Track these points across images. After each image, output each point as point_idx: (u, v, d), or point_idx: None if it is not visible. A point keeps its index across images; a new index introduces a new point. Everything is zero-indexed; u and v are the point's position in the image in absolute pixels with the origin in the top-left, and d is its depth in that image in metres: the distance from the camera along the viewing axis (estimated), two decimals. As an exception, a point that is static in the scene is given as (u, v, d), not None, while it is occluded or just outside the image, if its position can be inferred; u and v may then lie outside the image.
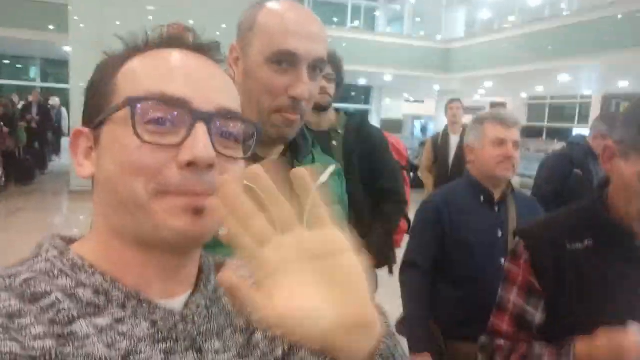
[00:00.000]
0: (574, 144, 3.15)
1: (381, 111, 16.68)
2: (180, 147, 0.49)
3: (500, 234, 1.70)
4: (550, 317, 1.04)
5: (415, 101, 21.28)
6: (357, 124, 2.17)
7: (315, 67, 0.90)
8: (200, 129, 0.50)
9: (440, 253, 1.73)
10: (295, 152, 1.00)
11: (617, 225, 0.99)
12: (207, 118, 0.50)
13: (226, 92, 0.55)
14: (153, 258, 0.53)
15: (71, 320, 0.48)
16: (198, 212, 0.50)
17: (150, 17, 7.54)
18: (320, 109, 2.01)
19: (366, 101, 16.92)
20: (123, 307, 0.51)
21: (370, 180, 2.10)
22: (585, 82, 13.18)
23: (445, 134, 4.46)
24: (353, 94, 17.51)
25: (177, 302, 0.54)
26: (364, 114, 2.21)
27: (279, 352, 0.61)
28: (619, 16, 9.46)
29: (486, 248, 1.67)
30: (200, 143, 0.49)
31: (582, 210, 1.07)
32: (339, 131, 2.10)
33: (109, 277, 0.51)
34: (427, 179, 4.56)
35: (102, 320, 0.49)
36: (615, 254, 0.99)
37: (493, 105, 19.63)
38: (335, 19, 15.74)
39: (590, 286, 0.99)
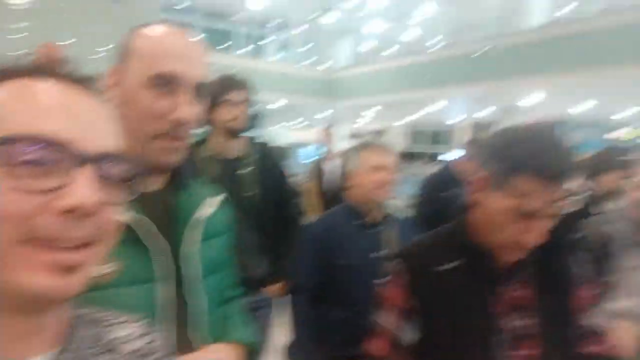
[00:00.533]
0: (446, 167, 3.40)
1: (268, 138, 16.78)
2: (58, 191, 0.45)
3: (377, 255, 1.75)
4: (423, 336, 1.08)
5: (303, 128, 21.72)
6: (263, 151, 2.18)
7: (195, 89, 0.87)
8: (85, 172, 0.47)
9: (324, 276, 1.76)
10: (178, 181, 0.96)
11: (479, 248, 1.05)
12: (93, 161, 0.47)
13: (111, 131, 0.52)
14: (5, 318, 0.47)
15: None
16: (69, 269, 0.47)
17: (16, 36, 6.86)
18: (233, 134, 2.00)
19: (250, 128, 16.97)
20: None
21: (277, 208, 2.14)
22: (456, 110, 14.44)
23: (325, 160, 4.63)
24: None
25: None
26: (267, 143, 2.23)
27: None
28: (476, 54, 10.55)
29: (363, 270, 1.70)
30: (84, 188, 0.46)
31: (449, 233, 1.13)
32: (247, 159, 2.09)
33: None
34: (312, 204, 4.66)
35: None
36: (476, 274, 1.05)
37: (377, 131, 20.77)
38: (223, 45, 15.64)
39: (455, 302, 1.04)
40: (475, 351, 1.04)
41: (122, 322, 0.61)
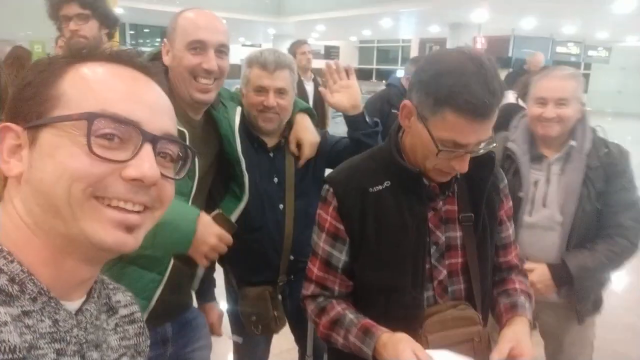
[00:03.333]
0: (391, 85, 3.42)
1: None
2: (126, 163, 0.53)
3: (276, 180, 1.63)
4: (353, 258, 1.12)
5: (252, 45, 20.96)
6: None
7: (219, 50, 1.29)
8: (147, 149, 0.54)
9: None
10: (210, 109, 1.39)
11: (409, 169, 1.07)
12: (154, 140, 0.55)
13: (169, 115, 0.60)
14: (70, 262, 0.55)
15: None
16: (129, 228, 0.55)
17: None
18: None
19: (201, 46, 16.22)
20: (34, 301, 0.52)
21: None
22: (405, 27, 14.28)
23: (300, 81, 4.10)
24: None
25: (73, 306, 0.57)
26: None
27: None
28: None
29: (263, 197, 1.60)
30: (146, 163, 0.54)
31: (381, 155, 1.13)
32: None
33: (26, 269, 0.53)
34: None
35: (11, 310, 0.50)
36: (408, 192, 1.08)
37: (327, 48, 20.30)
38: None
39: (387, 220, 1.08)
40: (409, 266, 1.06)
41: (116, 289, 0.70)
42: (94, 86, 0.55)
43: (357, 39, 19.50)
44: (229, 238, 1.21)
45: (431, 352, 0.95)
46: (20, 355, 0.48)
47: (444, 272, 1.10)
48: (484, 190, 1.12)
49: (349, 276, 1.13)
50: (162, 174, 0.56)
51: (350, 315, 1.09)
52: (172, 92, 1.20)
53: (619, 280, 3.52)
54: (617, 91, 22.42)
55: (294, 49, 4.09)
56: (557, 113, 1.56)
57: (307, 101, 4.09)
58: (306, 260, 1.67)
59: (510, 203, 1.23)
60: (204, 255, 1.19)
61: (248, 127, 1.61)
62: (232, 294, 1.70)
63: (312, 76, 4.13)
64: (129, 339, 0.67)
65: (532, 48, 11.34)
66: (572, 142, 1.61)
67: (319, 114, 4.19)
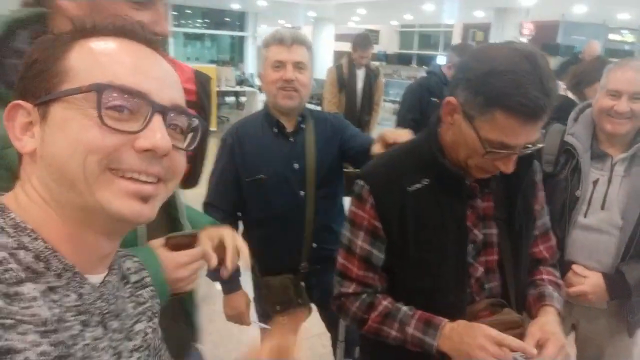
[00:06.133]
0: (431, 73, 3.38)
1: (257, 38, 16.13)
2: (138, 134, 0.54)
3: (297, 166, 1.59)
4: (392, 257, 1.11)
5: (292, 28, 20.91)
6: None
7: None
8: (158, 120, 0.55)
9: (238, 195, 1.62)
10: None
11: (450, 168, 1.05)
12: (164, 111, 0.56)
13: (177, 88, 0.61)
14: (90, 236, 0.56)
15: (18, 282, 0.50)
16: (144, 199, 0.55)
17: None
18: None
19: (241, 28, 16.19)
20: (59, 277, 0.54)
21: None
22: (447, 11, 13.90)
23: (352, 66, 4.19)
24: (227, 19, 16.64)
25: (96, 279, 0.59)
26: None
27: (157, 340, 0.71)
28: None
29: (282, 183, 1.58)
30: (158, 133, 0.54)
31: (420, 151, 1.10)
32: None
33: (50, 246, 0.54)
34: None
35: (39, 287, 0.52)
36: (447, 191, 1.07)
37: (367, 32, 20.00)
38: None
39: (427, 221, 1.06)
40: (451, 267, 1.06)
41: (125, 256, 0.71)
42: (100, 59, 0.55)
43: (398, 23, 19.12)
44: (195, 257, 0.97)
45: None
46: (52, 328, 0.51)
47: (481, 269, 1.10)
48: (520, 187, 1.10)
49: (386, 273, 1.14)
50: (173, 145, 0.57)
51: (404, 307, 1.09)
52: None
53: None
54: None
55: (364, 44, 4.08)
56: (631, 108, 1.46)
57: (354, 85, 4.18)
58: (329, 248, 1.69)
59: (542, 193, 1.21)
60: (187, 286, 0.99)
61: (268, 112, 1.62)
62: (257, 282, 1.71)
63: (368, 63, 4.14)
64: (143, 304, 0.69)
65: (583, 35, 10.87)
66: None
67: (366, 101, 4.25)
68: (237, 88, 10.75)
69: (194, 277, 0.98)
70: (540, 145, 0.99)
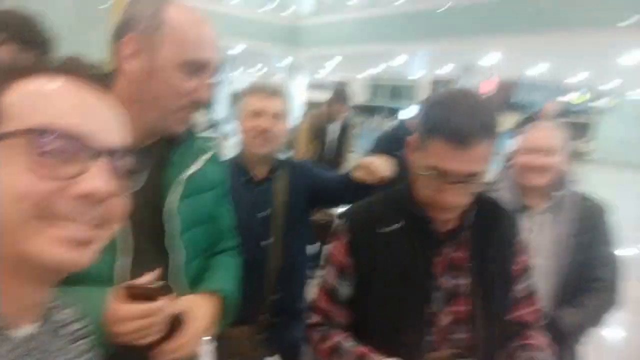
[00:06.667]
0: (399, 126, 3.48)
1: (228, 84, 16.35)
2: (75, 179, 0.51)
3: (262, 215, 1.59)
4: (359, 293, 1.14)
5: (267, 74, 21.28)
6: None
7: (213, 71, 1.02)
8: (99, 163, 0.53)
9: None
10: (171, 138, 1.06)
11: (418, 211, 1.10)
12: (106, 154, 0.53)
13: (121, 127, 0.58)
14: (20, 286, 0.53)
15: None
16: (81, 243, 0.53)
17: None
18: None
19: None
20: None
21: None
22: (417, 65, 14.50)
23: (328, 117, 4.36)
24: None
25: (23, 332, 0.55)
26: None
27: None
28: (441, 9, 10.54)
29: (245, 232, 1.50)
30: (98, 177, 0.52)
31: (398, 195, 1.17)
32: None
33: None
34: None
35: None
36: (417, 235, 1.11)
37: (339, 83, 20.57)
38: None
39: (395, 261, 1.10)
40: (413, 307, 1.09)
41: (63, 306, 0.66)
42: (39, 100, 0.53)
43: (368, 75, 19.76)
44: (147, 312, 0.86)
45: None
46: None
47: (447, 318, 1.11)
48: (493, 240, 1.13)
49: (352, 309, 1.16)
50: (113, 189, 0.54)
51: (348, 343, 1.13)
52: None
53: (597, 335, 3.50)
54: (623, 141, 22.44)
55: (345, 99, 4.27)
56: (545, 162, 1.60)
57: (328, 136, 4.31)
58: (294, 296, 1.66)
59: (526, 257, 1.22)
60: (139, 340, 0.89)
61: (240, 159, 1.63)
62: (217, 334, 1.68)
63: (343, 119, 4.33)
64: (82, 355, 0.65)
65: (540, 94, 11.48)
66: (559, 193, 1.65)
67: (337, 152, 4.35)
68: (209, 134, 10.76)
69: (145, 332, 0.87)
70: (482, 181, 1.04)
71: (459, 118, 0.96)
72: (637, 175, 18.24)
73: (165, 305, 0.88)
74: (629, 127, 21.62)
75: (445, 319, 1.11)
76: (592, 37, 7.99)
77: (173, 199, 1.00)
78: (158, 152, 1.02)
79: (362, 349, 1.10)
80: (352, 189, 1.68)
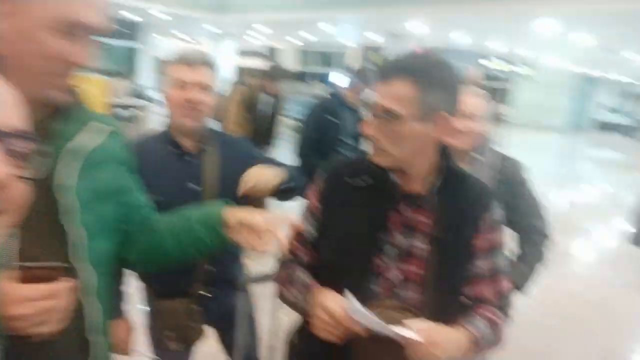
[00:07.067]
0: (334, 95, 3.49)
1: (152, 50, 15.54)
2: None
3: (194, 187, 1.55)
4: (320, 237, 1.22)
5: (191, 41, 20.46)
6: None
7: (95, 34, 0.92)
8: None
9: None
10: (62, 114, 0.97)
11: (380, 168, 1.14)
12: (2, 137, 0.50)
13: (17, 110, 0.55)
14: None
15: None
16: None
17: None
18: None
19: (133, 38, 15.42)
20: None
21: None
22: (346, 32, 14.50)
23: (261, 92, 4.28)
24: (120, 28, 15.84)
25: None
26: None
27: None
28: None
29: (178, 205, 1.43)
30: None
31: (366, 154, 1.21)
32: None
33: None
34: (235, 134, 4.19)
35: None
36: (379, 189, 1.16)
37: (268, 49, 20.21)
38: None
39: (353, 211, 1.16)
40: (362, 254, 1.14)
41: None
42: None
43: (298, 41, 19.54)
44: (46, 293, 0.79)
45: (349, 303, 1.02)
46: None
47: (396, 273, 1.14)
48: (459, 212, 1.16)
49: (316, 251, 1.23)
50: (11, 174, 0.52)
51: (302, 275, 1.21)
52: None
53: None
54: (538, 106, 24.02)
55: (277, 77, 4.26)
56: (468, 126, 1.64)
57: (262, 111, 4.26)
58: (226, 270, 1.67)
59: (495, 235, 1.20)
60: (36, 327, 0.80)
61: (168, 131, 1.58)
62: (150, 309, 1.65)
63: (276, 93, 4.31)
64: None
65: (464, 62, 11.93)
66: (478, 157, 1.74)
67: (269, 124, 4.32)
68: (131, 101, 10.21)
69: (45, 317, 0.79)
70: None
71: (390, 60, 1.08)
72: (550, 137, 19.69)
73: (66, 287, 0.81)
74: (544, 93, 23.13)
75: (393, 275, 1.14)
76: (510, 6, 8.38)
77: (64, 173, 0.93)
78: (43, 124, 0.93)
79: (312, 281, 1.17)
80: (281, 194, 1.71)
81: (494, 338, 1.15)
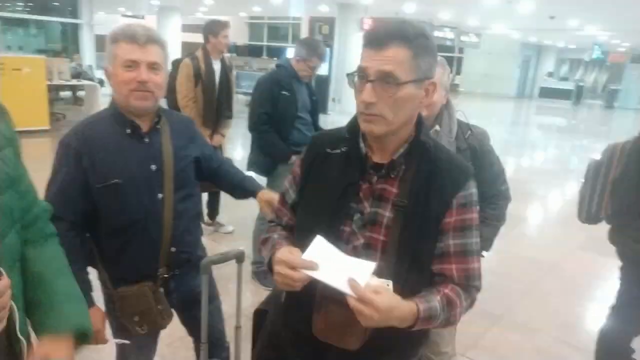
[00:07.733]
0: (281, 66, 3.43)
1: (94, 27, 14.76)
2: None
3: (154, 167, 1.52)
4: (299, 200, 1.28)
5: (134, 16, 19.58)
6: None
7: None
8: None
9: (87, 203, 1.47)
10: None
11: (354, 139, 1.18)
12: None
13: None
14: None
15: None
16: None
17: None
18: None
19: (73, 14, 14.61)
20: None
21: None
22: (294, 4, 14.27)
23: (208, 58, 3.95)
24: (56, 4, 14.93)
25: None
26: None
27: None
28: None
29: (140, 187, 1.48)
30: None
31: (349, 124, 1.21)
32: None
33: None
34: (191, 110, 3.96)
35: None
36: (352, 159, 1.18)
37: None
38: None
39: (327, 178, 1.21)
40: (330, 220, 1.16)
41: None
42: None
43: (247, 14, 19.07)
44: None
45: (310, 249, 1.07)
46: None
47: (362, 241, 1.15)
48: (429, 186, 1.14)
49: (295, 214, 1.30)
50: None
51: (276, 235, 1.28)
52: None
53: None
54: (485, 74, 24.65)
55: (217, 29, 3.93)
56: (437, 96, 1.67)
57: (212, 79, 3.98)
58: (188, 251, 1.66)
59: (469, 216, 1.17)
60: None
61: (118, 111, 1.51)
62: (109, 296, 1.60)
63: (222, 56, 4.01)
64: None
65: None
66: (437, 127, 1.76)
67: (224, 96, 4.10)
68: (74, 82, 9.72)
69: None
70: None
71: (378, 25, 1.08)
72: (497, 104, 20.32)
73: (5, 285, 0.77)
74: (489, 62, 23.71)
75: (359, 240, 1.16)
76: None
77: None
78: None
79: (279, 241, 1.24)
80: (238, 192, 1.79)
81: (446, 318, 1.12)
